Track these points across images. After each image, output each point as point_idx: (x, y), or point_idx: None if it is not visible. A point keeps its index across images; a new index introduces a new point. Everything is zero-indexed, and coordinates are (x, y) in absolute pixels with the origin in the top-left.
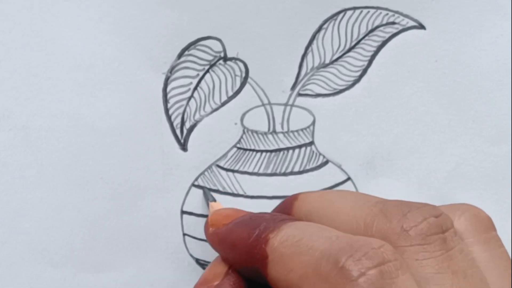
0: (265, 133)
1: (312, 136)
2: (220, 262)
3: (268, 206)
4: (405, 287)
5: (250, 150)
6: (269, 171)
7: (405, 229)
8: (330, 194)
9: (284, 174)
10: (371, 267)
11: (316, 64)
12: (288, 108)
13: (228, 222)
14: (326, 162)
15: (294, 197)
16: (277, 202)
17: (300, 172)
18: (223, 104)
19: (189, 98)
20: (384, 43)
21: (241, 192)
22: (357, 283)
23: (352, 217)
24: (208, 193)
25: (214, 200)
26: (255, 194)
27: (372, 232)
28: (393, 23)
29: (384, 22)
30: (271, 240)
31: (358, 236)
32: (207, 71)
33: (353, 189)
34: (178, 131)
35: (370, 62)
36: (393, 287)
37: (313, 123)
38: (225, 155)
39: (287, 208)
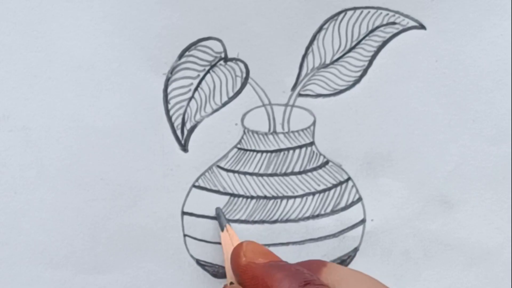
0: (266, 134)
1: (313, 136)
2: None
3: (268, 206)
4: None
5: (250, 150)
6: (269, 171)
7: None
8: (359, 276)
9: (285, 174)
10: None
11: (316, 64)
12: (289, 108)
13: (266, 261)
14: (327, 162)
15: (322, 263)
16: (277, 202)
17: (300, 173)
18: (223, 104)
19: (190, 99)
20: (384, 43)
21: (241, 193)
22: None
23: None
24: (223, 216)
25: (229, 223)
26: (255, 194)
27: None
28: (394, 23)
29: (385, 22)
30: None
31: None
32: (208, 71)
33: (354, 189)
34: (178, 132)
35: (370, 62)
36: None
37: (314, 123)
38: (225, 155)
39: (315, 270)
